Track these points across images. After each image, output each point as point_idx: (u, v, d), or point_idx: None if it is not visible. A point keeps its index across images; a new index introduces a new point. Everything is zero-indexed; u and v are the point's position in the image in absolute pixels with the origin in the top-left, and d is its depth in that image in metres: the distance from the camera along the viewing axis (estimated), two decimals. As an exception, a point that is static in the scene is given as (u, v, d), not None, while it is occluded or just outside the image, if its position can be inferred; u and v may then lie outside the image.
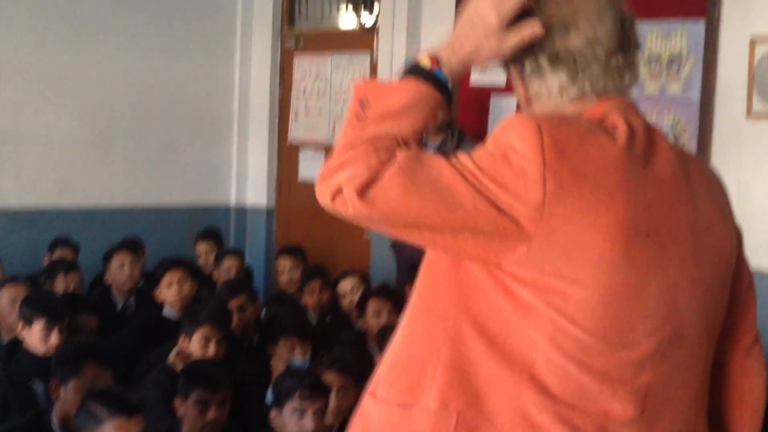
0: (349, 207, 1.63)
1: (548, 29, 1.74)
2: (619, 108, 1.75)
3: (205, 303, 5.06)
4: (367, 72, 7.27)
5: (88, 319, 4.96)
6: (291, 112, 7.88)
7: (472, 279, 1.69)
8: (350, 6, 7.18)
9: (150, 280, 5.85)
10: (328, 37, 7.69)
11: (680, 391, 1.77)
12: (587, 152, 1.64)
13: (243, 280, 6.11)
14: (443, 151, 5.93)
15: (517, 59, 1.79)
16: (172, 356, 4.57)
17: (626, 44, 1.78)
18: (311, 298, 5.85)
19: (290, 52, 7.93)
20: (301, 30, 7.93)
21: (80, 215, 7.15)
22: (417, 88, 1.75)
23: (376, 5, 7.08)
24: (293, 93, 7.86)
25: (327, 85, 7.63)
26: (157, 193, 7.65)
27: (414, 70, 1.78)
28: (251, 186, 8.14)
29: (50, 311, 4.52)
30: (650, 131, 1.75)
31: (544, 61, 1.76)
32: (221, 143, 8.07)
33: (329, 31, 7.74)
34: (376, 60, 7.11)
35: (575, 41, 1.74)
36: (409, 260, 5.96)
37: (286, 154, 7.98)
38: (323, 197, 1.68)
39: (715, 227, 1.81)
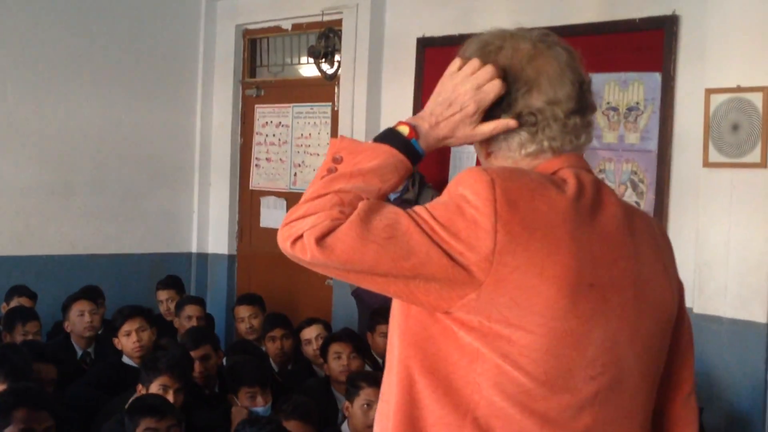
0: (307, 253, 1.69)
1: (512, 90, 1.82)
2: (571, 163, 1.84)
3: (165, 352, 5.03)
4: (329, 121, 7.32)
5: (47, 368, 4.92)
6: (252, 160, 7.92)
7: (421, 325, 1.76)
8: (311, 56, 7.24)
9: (109, 327, 5.82)
10: (290, 87, 7.75)
11: None
12: (537, 205, 1.71)
13: (205, 329, 6.09)
14: (404, 199, 5.97)
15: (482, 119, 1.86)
16: (129, 405, 4.54)
17: (584, 106, 1.86)
18: (273, 345, 5.85)
19: (251, 100, 7.98)
20: (262, 79, 7.98)
21: (40, 263, 7.12)
22: (390, 153, 1.81)
23: (336, 55, 7.15)
24: (254, 141, 7.90)
25: (288, 133, 7.67)
26: (118, 241, 7.63)
27: (391, 135, 1.84)
28: (213, 233, 8.15)
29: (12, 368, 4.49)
30: (598, 186, 1.84)
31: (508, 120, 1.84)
32: (182, 191, 8.07)
33: (290, 80, 7.80)
34: (337, 109, 7.17)
35: (537, 101, 1.82)
36: (370, 306, 5.98)
37: (247, 202, 8.00)
38: (283, 242, 1.73)
39: (657, 281, 1.88)
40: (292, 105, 7.64)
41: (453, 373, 1.72)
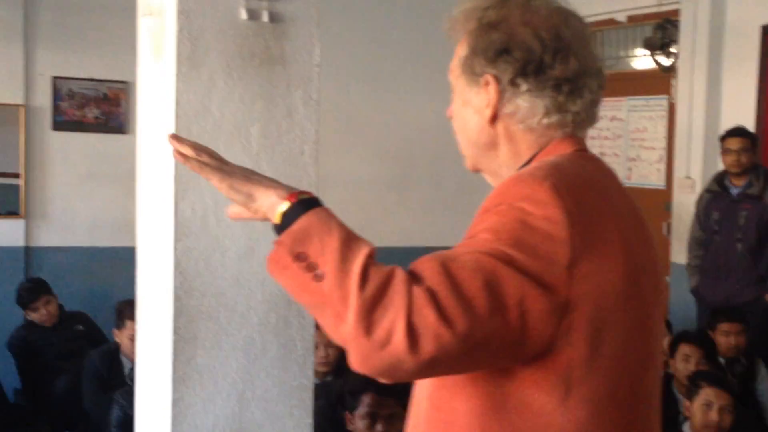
0: (427, 345, 1.44)
1: (546, 52, 1.71)
2: (582, 146, 1.76)
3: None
4: (665, 114, 7.16)
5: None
6: (584, 155, 7.87)
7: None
8: (647, 48, 7.12)
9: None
10: (624, 80, 7.63)
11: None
12: (590, 197, 1.63)
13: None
14: (747, 194, 5.75)
15: (513, 74, 1.73)
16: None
17: (604, 84, 1.78)
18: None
19: (585, 95, 7.92)
20: (596, 73, 7.91)
21: (379, 255, 7.42)
22: (323, 212, 1.59)
23: (673, 47, 6.98)
24: (588, 135, 7.84)
25: (623, 127, 7.57)
26: (453, 234, 7.79)
27: (306, 204, 1.61)
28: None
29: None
30: (609, 169, 1.80)
31: (542, 83, 1.72)
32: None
33: (625, 73, 7.69)
34: (674, 102, 7.00)
35: (573, 67, 1.72)
36: (711, 304, 5.82)
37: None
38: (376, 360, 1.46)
39: (661, 264, 1.81)
40: (626, 98, 7.53)
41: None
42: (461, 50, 1.78)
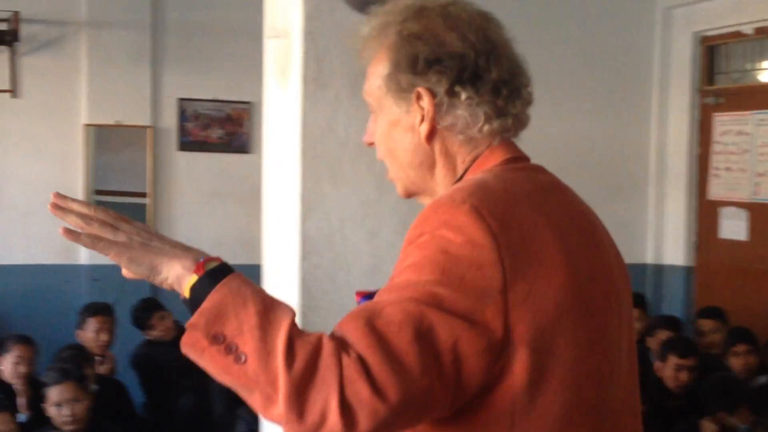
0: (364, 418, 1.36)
1: (480, 56, 1.64)
2: (516, 152, 1.69)
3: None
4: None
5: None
6: (710, 170, 7.70)
7: None
8: (775, 60, 6.94)
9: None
10: (751, 93, 7.45)
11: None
12: (520, 212, 1.53)
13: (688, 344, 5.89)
14: None
15: (450, 84, 1.64)
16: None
17: (529, 81, 1.71)
18: (737, 361, 5.64)
19: (709, 108, 7.75)
20: (721, 86, 7.75)
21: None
22: (235, 281, 1.50)
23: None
24: (713, 150, 7.68)
25: (750, 142, 7.38)
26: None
27: (215, 273, 1.51)
28: (669, 244, 8.02)
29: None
30: (545, 171, 1.71)
31: (480, 89, 1.64)
32: (637, 201, 8.04)
33: (752, 86, 7.51)
34: (805, 115, 6.81)
35: (506, 68, 1.66)
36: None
37: (704, 213, 7.80)
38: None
39: (620, 265, 1.72)
40: (753, 112, 7.34)
41: None
42: (381, 68, 1.68)
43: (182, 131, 7.39)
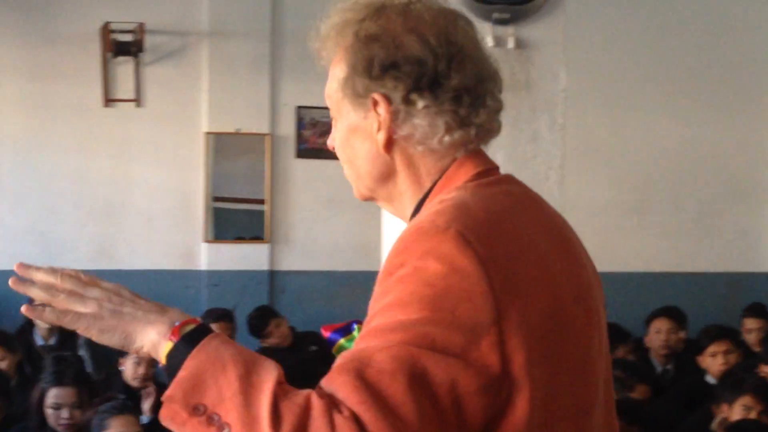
0: None
1: (440, 61, 1.50)
2: (487, 163, 1.55)
3: (751, 373, 4.94)
4: None
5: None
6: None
7: None
8: None
9: (692, 345, 5.80)
10: None
11: None
12: (505, 231, 1.42)
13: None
14: None
15: (406, 91, 1.51)
16: (714, 424, 4.54)
17: (501, 87, 1.57)
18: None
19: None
20: None
21: (617, 279, 7.29)
22: (212, 344, 1.40)
23: None
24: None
25: None
26: (693, 260, 7.61)
27: (191, 337, 1.41)
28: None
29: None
30: (520, 184, 1.59)
31: (440, 96, 1.51)
32: (761, 207, 7.86)
33: None
34: None
35: (469, 75, 1.51)
36: None
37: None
38: None
39: (596, 281, 1.60)
40: None
41: None
42: (338, 71, 1.57)
43: (300, 139, 7.49)
